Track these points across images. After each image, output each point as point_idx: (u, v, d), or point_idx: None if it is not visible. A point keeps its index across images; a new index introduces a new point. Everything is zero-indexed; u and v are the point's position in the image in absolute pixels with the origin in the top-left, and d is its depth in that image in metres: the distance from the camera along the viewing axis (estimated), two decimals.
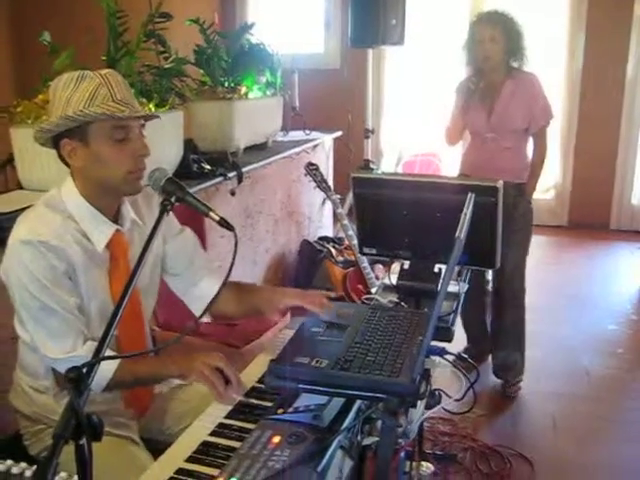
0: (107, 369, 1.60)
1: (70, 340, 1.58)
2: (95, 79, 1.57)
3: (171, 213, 1.49)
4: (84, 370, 0.98)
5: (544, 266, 4.99)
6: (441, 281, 1.23)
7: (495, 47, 3.05)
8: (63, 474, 1.12)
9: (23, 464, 1.13)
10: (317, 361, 1.29)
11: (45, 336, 1.58)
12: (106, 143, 1.58)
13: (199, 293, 1.88)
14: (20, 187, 2.58)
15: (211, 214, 1.48)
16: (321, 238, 4.62)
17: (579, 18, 5.79)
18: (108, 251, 1.68)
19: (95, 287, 1.66)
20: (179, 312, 2.02)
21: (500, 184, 1.67)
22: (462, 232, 1.24)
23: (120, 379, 1.62)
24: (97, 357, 1.08)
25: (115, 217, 1.70)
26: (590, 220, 6.02)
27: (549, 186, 6.17)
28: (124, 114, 1.56)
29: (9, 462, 1.14)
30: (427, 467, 2.38)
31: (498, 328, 3.35)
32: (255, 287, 1.94)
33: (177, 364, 1.65)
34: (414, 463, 2.07)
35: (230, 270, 1.38)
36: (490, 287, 3.43)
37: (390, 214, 1.82)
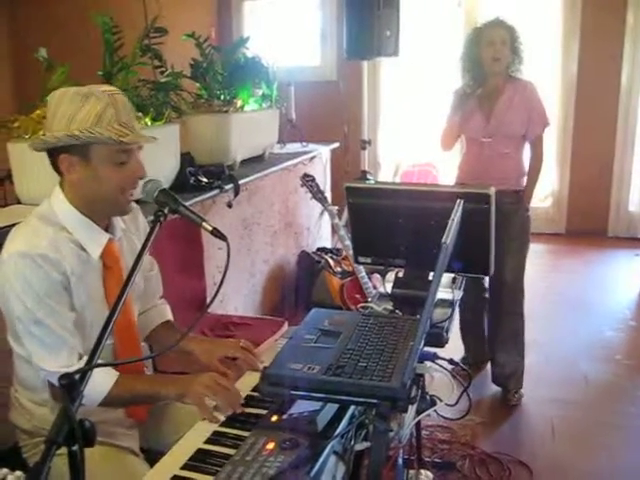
0: (104, 384, 1.61)
1: (64, 354, 1.59)
2: (103, 99, 1.57)
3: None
4: (76, 377, 1.00)
5: (542, 274, 5.00)
6: (431, 287, 1.24)
7: (505, 50, 3.08)
8: None
9: (18, 472, 1.14)
10: (309, 367, 1.31)
11: (40, 350, 1.59)
12: (107, 164, 1.60)
13: (144, 320, 1.94)
14: (18, 202, 2.59)
15: (204, 224, 1.50)
16: (319, 249, 4.64)
17: (573, 25, 5.84)
18: (101, 260, 1.70)
19: (91, 295, 1.67)
20: None
21: (492, 191, 1.69)
22: (448, 238, 1.25)
23: (117, 395, 1.63)
24: (90, 364, 1.09)
25: (106, 226, 1.73)
26: (588, 227, 6.04)
27: (546, 194, 6.20)
28: (129, 139, 1.58)
29: (4, 470, 1.15)
30: (426, 475, 2.38)
31: (497, 336, 3.34)
32: (195, 336, 2.00)
33: (176, 385, 1.66)
34: (413, 471, 2.08)
35: (223, 278, 1.39)
36: (487, 295, 3.42)
37: (384, 223, 1.84)
